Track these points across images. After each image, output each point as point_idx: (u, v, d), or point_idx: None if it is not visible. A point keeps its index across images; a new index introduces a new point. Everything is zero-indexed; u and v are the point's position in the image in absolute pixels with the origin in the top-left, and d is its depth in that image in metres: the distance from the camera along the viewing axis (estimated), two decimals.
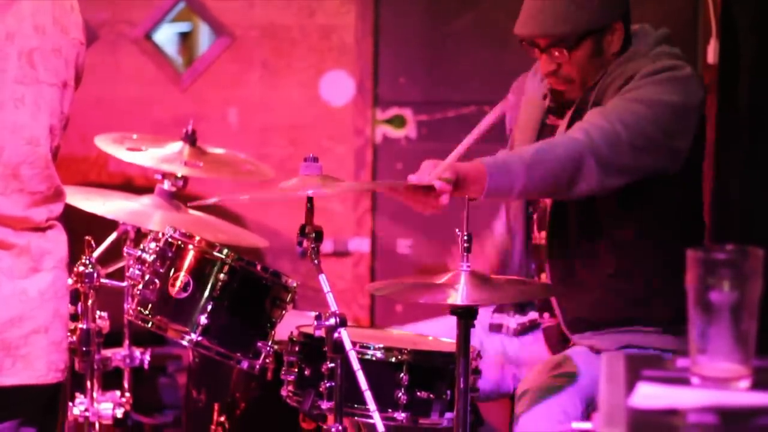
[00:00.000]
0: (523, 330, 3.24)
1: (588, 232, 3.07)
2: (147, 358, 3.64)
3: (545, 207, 3.12)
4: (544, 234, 3.15)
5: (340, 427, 2.66)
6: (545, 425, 2.85)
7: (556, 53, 3.02)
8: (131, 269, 3.05)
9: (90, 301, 3.11)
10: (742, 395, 1.60)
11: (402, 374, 2.78)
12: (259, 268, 3.03)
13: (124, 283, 3.17)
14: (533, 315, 3.24)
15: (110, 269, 3.36)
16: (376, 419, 2.61)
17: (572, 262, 3.08)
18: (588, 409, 2.90)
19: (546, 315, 3.18)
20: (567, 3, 2.99)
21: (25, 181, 2.40)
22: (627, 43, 3.08)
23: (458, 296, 2.58)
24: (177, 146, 3.77)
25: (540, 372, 2.98)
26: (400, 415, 2.77)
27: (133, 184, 4.67)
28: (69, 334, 2.79)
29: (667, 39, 3.12)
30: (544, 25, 3.01)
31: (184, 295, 2.99)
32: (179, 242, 3.03)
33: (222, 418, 3.33)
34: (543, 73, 3.08)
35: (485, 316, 3.21)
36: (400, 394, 2.78)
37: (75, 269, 3.12)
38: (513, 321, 3.24)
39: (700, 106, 3.02)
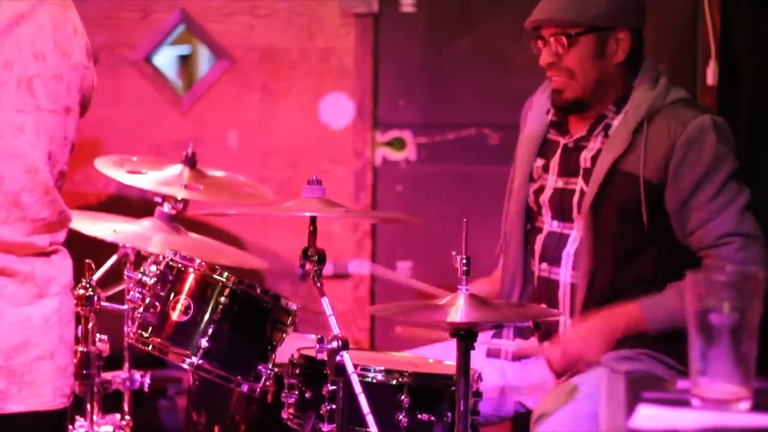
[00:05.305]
0: (523, 355, 3.22)
1: (613, 268, 3.08)
2: (147, 381, 3.64)
3: (553, 233, 3.15)
4: (546, 266, 3.16)
5: None
6: None
7: (556, 43, 3.09)
8: (132, 292, 3.05)
9: (90, 324, 3.10)
10: (742, 417, 1.60)
11: (403, 396, 2.78)
12: (259, 291, 3.02)
13: (125, 306, 3.17)
14: (534, 341, 3.23)
15: (110, 292, 3.36)
16: None
17: (592, 299, 3.08)
18: None
19: (546, 343, 3.17)
20: None
21: (26, 209, 2.39)
22: (636, 66, 3.12)
23: (457, 315, 2.57)
24: (177, 169, 3.77)
25: (557, 394, 2.96)
26: None
27: (133, 206, 4.66)
28: None
29: (668, 80, 3.13)
30: (549, 11, 3.11)
31: (185, 318, 2.99)
32: (180, 265, 3.03)
33: None
34: (543, 64, 3.14)
35: (484, 340, 3.20)
36: (400, 416, 2.77)
37: (75, 292, 3.12)
38: (512, 346, 3.23)
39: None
